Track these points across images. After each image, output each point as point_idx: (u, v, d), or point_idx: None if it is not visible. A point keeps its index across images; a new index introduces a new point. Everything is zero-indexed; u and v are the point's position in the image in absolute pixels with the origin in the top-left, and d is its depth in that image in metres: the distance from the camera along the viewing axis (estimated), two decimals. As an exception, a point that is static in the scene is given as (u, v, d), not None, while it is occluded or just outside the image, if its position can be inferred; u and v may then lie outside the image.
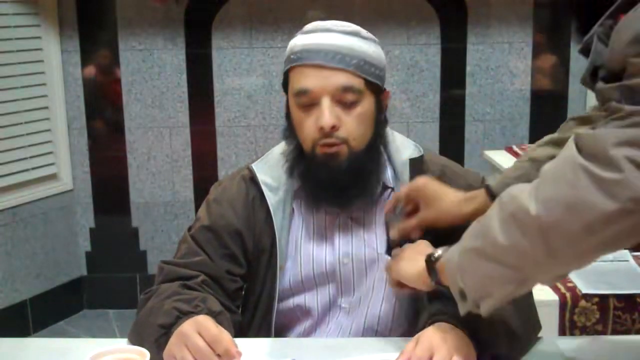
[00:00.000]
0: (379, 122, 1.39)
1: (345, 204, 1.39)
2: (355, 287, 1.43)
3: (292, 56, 1.35)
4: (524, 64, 3.48)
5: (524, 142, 3.47)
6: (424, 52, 3.45)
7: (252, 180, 1.44)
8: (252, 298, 1.46)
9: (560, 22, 3.46)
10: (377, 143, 1.39)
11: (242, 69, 3.45)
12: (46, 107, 3.36)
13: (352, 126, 1.33)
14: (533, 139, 3.49)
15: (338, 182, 1.34)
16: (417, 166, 1.41)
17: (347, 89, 1.31)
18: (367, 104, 1.34)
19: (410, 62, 3.45)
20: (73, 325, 3.46)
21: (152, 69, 3.44)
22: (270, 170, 1.44)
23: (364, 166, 1.36)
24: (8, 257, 3.23)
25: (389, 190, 1.43)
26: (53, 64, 3.35)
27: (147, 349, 1.17)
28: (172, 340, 1.18)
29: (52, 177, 3.42)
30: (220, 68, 3.44)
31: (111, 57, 3.43)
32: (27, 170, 3.29)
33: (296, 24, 3.35)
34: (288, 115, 1.40)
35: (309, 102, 1.32)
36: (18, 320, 3.29)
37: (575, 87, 3.49)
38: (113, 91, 3.46)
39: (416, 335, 1.19)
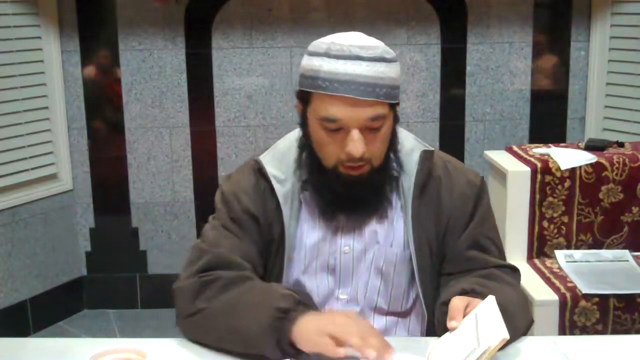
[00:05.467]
0: (395, 132, 1.45)
1: (358, 214, 1.43)
2: (354, 277, 1.46)
3: (319, 82, 1.33)
4: (524, 64, 3.47)
5: (524, 142, 3.47)
6: (424, 52, 3.44)
7: (261, 172, 1.46)
8: None
9: (560, 22, 3.45)
10: (392, 151, 1.45)
11: (242, 69, 3.44)
12: (46, 107, 3.35)
13: (376, 148, 1.37)
14: (533, 139, 3.49)
15: (355, 196, 1.40)
16: (427, 159, 1.47)
17: (375, 118, 1.34)
18: (388, 123, 1.39)
19: (410, 62, 3.45)
20: (73, 325, 3.46)
21: (152, 69, 3.44)
22: (279, 162, 1.46)
23: (382, 179, 1.42)
24: (8, 257, 3.23)
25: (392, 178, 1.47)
26: (53, 64, 3.34)
27: (244, 330, 1.21)
28: (327, 319, 1.23)
29: (52, 177, 3.42)
30: (220, 68, 3.44)
31: (111, 57, 3.42)
32: (27, 170, 3.28)
33: (296, 24, 3.36)
34: (303, 124, 1.42)
35: (336, 128, 1.34)
36: (18, 320, 3.29)
37: (575, 87, 3.49)
38: (113, 91, 3.46)
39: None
